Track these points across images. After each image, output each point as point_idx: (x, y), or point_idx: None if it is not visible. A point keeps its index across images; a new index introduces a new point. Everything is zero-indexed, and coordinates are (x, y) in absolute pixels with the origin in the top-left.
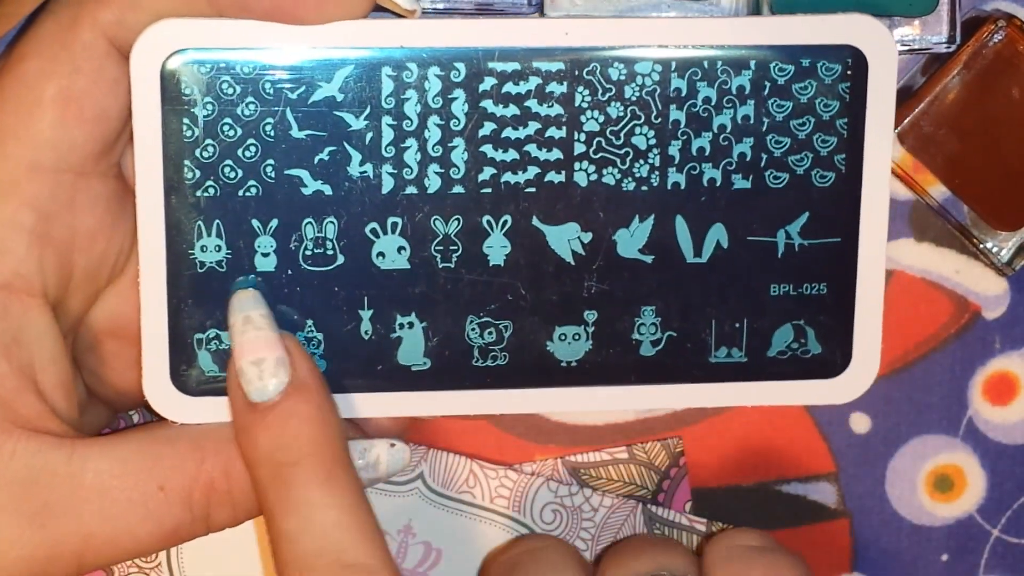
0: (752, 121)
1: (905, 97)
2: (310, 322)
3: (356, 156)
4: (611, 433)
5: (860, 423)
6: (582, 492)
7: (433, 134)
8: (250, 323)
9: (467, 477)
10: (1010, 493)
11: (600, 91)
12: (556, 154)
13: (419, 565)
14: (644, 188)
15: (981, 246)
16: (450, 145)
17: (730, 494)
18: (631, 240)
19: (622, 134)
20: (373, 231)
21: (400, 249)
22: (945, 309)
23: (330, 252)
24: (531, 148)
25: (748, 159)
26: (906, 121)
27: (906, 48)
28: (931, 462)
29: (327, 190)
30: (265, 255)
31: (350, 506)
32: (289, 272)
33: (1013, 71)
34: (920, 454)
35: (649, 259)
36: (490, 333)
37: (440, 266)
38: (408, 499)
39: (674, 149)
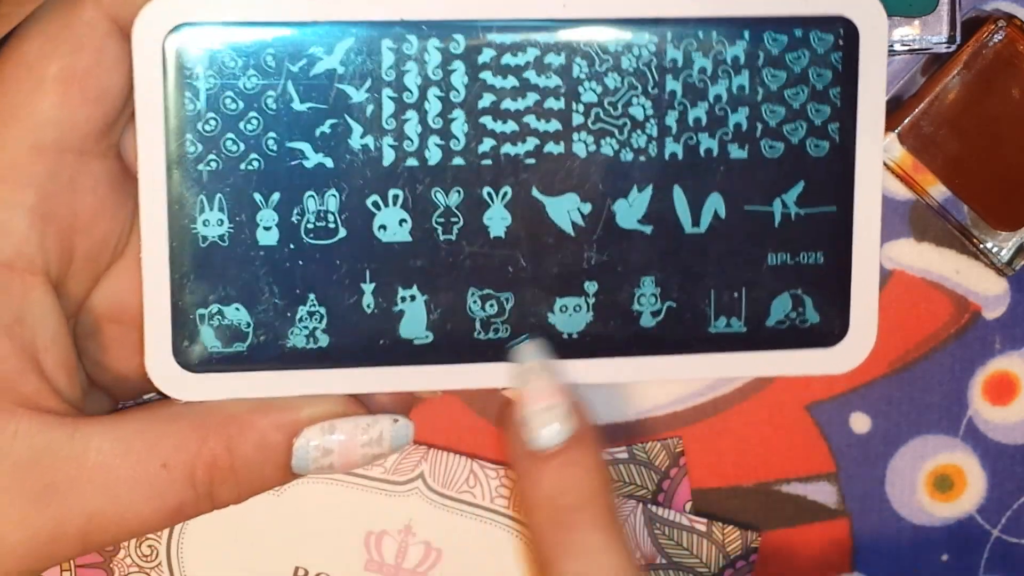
0: (747, 91)
1: (905, 97)
2: (312, 296)
3: (357, 128)
4: (611, 433)
5: (860, 423)
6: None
7: (433, 106)
8: (546, 369)
9: (467, 477)
10: (1010, 493)
11: (597, 62)
12: (555, 125)
13: (419, 565)
14: (642, 158)
15: (981, 246)
16: (450, 117)
17: (730, 494)
18: (630, 210)
19: (620, 105)
20: (375, 204)
21: (402, 222)
22: (945, 309)
23: (332, 225)
24: (530, 119)
25: (744, 129)
26: (906, 121)
27: (906, 48)
28: (931, 462)
29: (328, 163)
30: (267, 229)
31: (627, 551)
32: (291, 246)
33: (1013, 71)
34: (920, 454)
35: (648, 229)
36: (491, 305)
37: (441, 238)
38: (408, 499)
39: (671, 119)
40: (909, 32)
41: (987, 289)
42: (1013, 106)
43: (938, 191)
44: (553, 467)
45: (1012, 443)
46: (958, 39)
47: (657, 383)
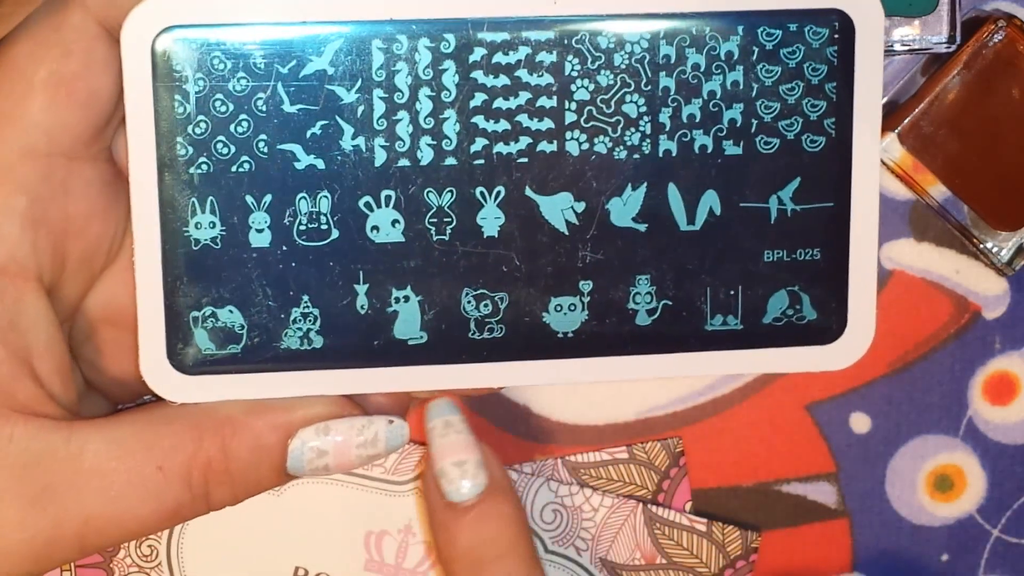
0: (741, 87)
1: (905, 97)
2: (305, 297)
3: (348, 129)
4: (611, 433)
5: (860, 423)
6: (582, 492)
7: (424, 106)
8: (451, 427)
9: None
10: (1010, 493)
11: (590, 60)
12: (547, 124)
13: (419, 565)
14: (636, 156)
15: (981, 246)
16: (442, 117)
17: (730, 494)
18: (624, 209)
19: (613, 102)
20: (367, 205)
21: (394, 222)
22: (945, 309)
23: (324, 227)
24: (522, 118)
25: (739, 125)
26: (906, 121)
27: (906, 48)
28: (931, 462)
29: (320, 164)
30: (259, 231)
31: None
32: (284, 248)
33: (1013, 71)
34: (920, 454)
35: (643, 227)
36: (486, 305)
37: (434, 239)
38: (409, 499)
39: (665, 116)
40: (909, 32)
41: (987, 289)
42: (1013, 106)
43: (938, 191)
44: (469, 520)
45: (1012, 443)
46: (958, 39)
47: (657, 383)
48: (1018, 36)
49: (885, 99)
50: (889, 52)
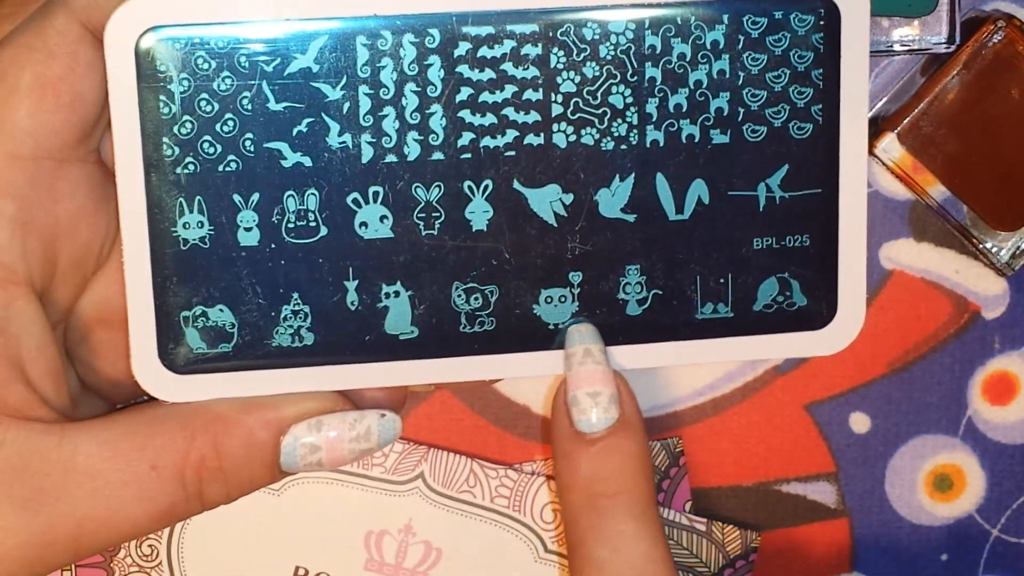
0: (728, 75)
1: (905, 97)
2: (296, 295)
3: (334, 126)
4: None
5: (860, 423)
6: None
7: (410, 101)
8: (590, 355)
9: (467, 477)
10: (1010, 493)
11: (575, 51)
12: (534, 116)
13: (419, 565)
14: (623, 147)
15: (981, 246)
16: (428, 112)
17: (730, 494)
18: (613, 200)
19: (599, 94)
20: (355, 201)
21: (383, 218)
22: (945, 309)
23: (313, 224)
24: (509, 111)
25: (725, 114)
26: (906, 121)
27: (905, 48)
28: (931, 462)
29: (307, 162)
30: (248, 230)
31: (658, 542)
32: (272, 246)
33: (1013, 71)
34: (920, 454)
35: (631, 218)
36: (476, 299)
37: (423, 234)
38: (408, 499)
39: (651, 107)
40: (909, 32)
41: (986, 289)
42: (1013, 106)
43: (938, 191)
44: (593, 452)
45: (1011, 443)
46: (958, 39)
47: (657, 382)
48: (1017, 36)
49: (885, 99)
50: (889, 52)
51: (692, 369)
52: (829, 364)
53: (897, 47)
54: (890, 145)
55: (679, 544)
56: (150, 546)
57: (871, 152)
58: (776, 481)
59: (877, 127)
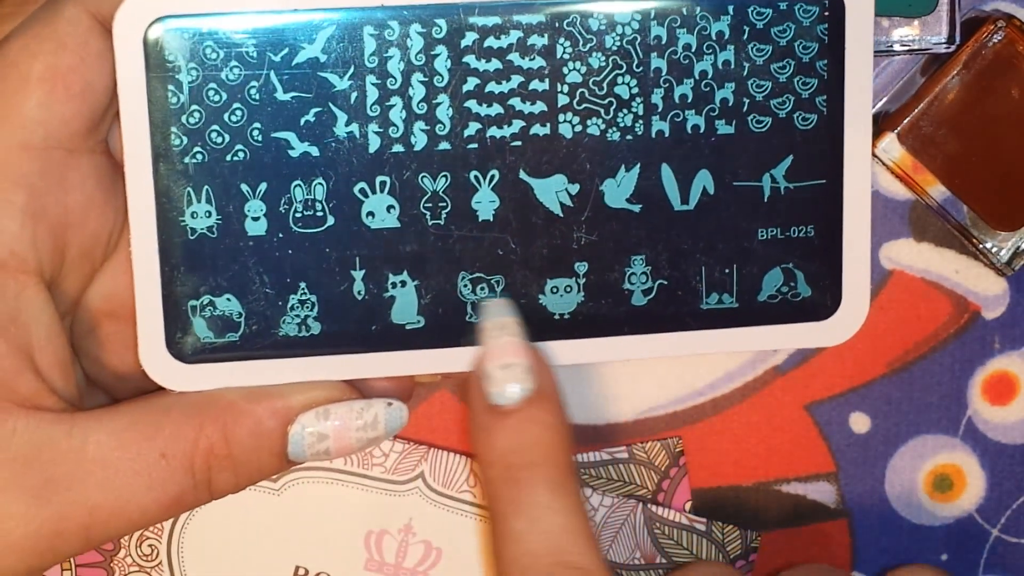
0: (733, 66)
1: (905, 97)
2: (303, 284)
3: (342, 116)
4: (611, 433)
5: (860, 423)
6: (582, 492)
7: (417, 91)
8: (504, 329)
9: (467, 477)
10: (1009, 493)
11: (581, 42)
12: (540, 107)
13: (419, 564)
14: (629, 137)
15: (981, 246)
16: (435, 102)
17: (730, 494)
18: (618, 190)
19: (605, 84)
20: (362, 191)
21: (389, 208)
22: (945, 309)
23: (320, 213)
24: (515, 102)
25: (730, 104)
26: (906, 121)
27: (905, 48)
28: (931, 462)
29: (314, 151)
30: (255, 219)
31: (576, 512)
32: (280, 235)
33: (1013, 71)
34: (920, 454)
35: (637, 208)
36: (482, 288)
37: (430, 223)
38: (409, 498)
39: (657, 97)
40: (909, 32)
41: (986, 289)
42: (1013, 106)
43: (938, 191)
44: (509, 424)
45: (1011, 443)
46: (957, 39)
47: (656, 382)
48: (1017, 36)
49: (885, 99)
50: (889, 52)
51: (692, 369)
52: (829, 364)
53: (897, 47)
54: (890, 145)
55: (679, 544)
56: (150, 546)
57: (871, 152)
58: (776, 481)
59: (877, 127)
